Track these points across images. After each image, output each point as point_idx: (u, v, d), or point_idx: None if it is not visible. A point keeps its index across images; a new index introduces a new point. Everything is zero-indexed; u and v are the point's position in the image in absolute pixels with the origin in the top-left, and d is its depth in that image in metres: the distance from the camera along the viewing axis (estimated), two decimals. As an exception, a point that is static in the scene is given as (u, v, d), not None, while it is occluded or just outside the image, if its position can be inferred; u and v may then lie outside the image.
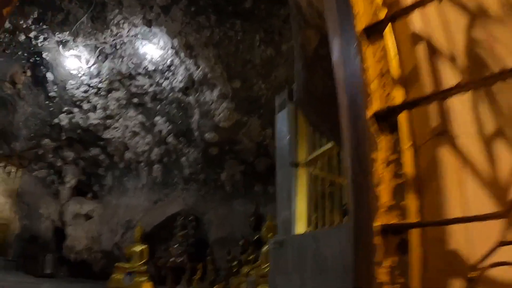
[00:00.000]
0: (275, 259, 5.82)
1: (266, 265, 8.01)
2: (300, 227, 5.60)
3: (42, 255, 12.68)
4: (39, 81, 12.30)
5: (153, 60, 10.98)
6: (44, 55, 11.50)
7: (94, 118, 12.85)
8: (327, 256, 4.39)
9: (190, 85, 10.85)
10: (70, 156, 14.02)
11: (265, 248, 8.46)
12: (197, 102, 10.96)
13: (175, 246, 11.84)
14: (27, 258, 12.97)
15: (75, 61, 11.60)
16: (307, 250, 4.80)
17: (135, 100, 12.26)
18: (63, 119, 12.96)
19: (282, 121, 6.64)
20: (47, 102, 12.68)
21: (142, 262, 11.39)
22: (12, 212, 14.09)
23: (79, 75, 11.96)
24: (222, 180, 12.13)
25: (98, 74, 11.83)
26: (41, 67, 11.94)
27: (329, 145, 5.16)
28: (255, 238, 10.25)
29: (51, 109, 12.80)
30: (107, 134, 13.22)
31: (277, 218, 6.28)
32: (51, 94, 12.49)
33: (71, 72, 11.91)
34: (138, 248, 11.62)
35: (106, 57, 11.41)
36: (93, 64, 11.56)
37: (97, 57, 11.38)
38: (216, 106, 10.53)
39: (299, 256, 5.04)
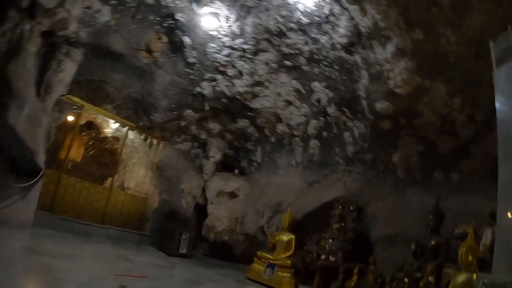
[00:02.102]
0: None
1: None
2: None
3: (178, 233, 11.89)
4: (176, 47, 11.44)
5: (306, 10, 9.02)
6: (177, 16, 10.48)
7: (240, 85, 11.64)
8: None
9: (355, 40, 8.71)
10: (216, 128, 13.19)
11: (460, 278, 5.84)
12: (365, 61, 8.82)
13: (330, 240, 10.08)
14: (164, 235, 12.53)
15: (213, 20, 10.37)
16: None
17: (288, 62, 10.57)
18: (206, 88, 12.05)
19: (508, 81, 4.19)
20: (186, 69, 11.81)
21: (288, 254, 10.07)
22: (152, 185, 13.73)
23: (219, 36, 10.72)
24: (394, 162, 9.88)
25: (241, 34, 10.42)
26: (177, 31, 10.99)
27: None
28: (433, 244, 8.04)
29: (192, 77, 11.93)
30: (256, 104, 11.92)
31: (497, 238, 4.25)
32: (190, 60, 11.53)
33: (210, 33, 10.74)
34: (285, 237, 10.37)
35: (248, 12, 9.91)
36: (234, 22, 10.18)
37: (238, 12, 9.93)
38: (391, 66, 8.29)
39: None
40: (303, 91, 10.88)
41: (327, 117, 10.68)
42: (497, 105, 4.56)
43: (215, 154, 13.57)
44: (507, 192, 4.13)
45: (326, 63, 9.77)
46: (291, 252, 10.10)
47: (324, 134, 11.07)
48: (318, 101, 10.58)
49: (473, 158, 8.82)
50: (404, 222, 9.65)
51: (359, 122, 10.00)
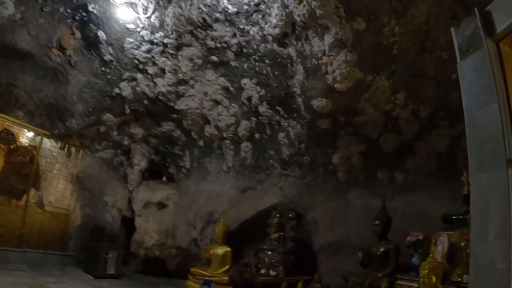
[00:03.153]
0: None
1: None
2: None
3: (104, 252, 10.83)
4: (90, 43, 10.39)
5: (234, -2, 8.30)
6: (90, 8, 9.56)
7: (163, 84, 10.55)
8: None
9: (289, 31, 7.92)
10: (139, 133, 11.98)
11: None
12: (301, 55, 8.00)
13: (269, 252, 9.14)
14: (88, 255, 11.36)
15: (129, 12, 9.46)
16: None
17: (214, 57, 9.66)
18: (125, 88, 10.90)
19: (475, 75, 3.69)
20: (103, 68, 10.70)
21: (224, 269, 9.22)
22: (73, 199, 12.51)
23: (138, 29, 9.79)
24: (334, 163, 9.22)
25: (161, 26, 9.52)
26: (90, 25, 9.96)
27: None
28: (381, 251, 7.41)
29: (109, 76, 10.80)
30: (181, 105, 10.82)
31: (472, 261, 3.51)
32: (107, 57, 10.45)
33: (127, 26, 9.79)
34: (220, 250, 9.47)
35: (168, 1, 9.10)
36: (153, 13, 9.33)
37: (157, 2, 9.15)
38: (329, 59, 7.53)
39: None
40: (231, 89, 9.97)
41: (259, 117, 9.81)
42: (465, 104, 3.85)
43: (140, 161, 12.40)
44: (481, 208, 3.43)
45: (256, 57, 8.92)
46: (227, 267, 9.18)
47: (257, 135, 10.19)
48: (249, 99, 9.68)
49: (417, 156, 8.45)
50: (348, 228, 9.13)
51: (294, 122, 9.20)
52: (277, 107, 9.25)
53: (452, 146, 8.15)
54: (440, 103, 7.76)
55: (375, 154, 8.87)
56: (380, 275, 6.97)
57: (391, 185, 8.89)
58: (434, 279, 5.05)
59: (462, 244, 5.71)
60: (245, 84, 9.50)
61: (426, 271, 5.14)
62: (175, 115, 11.20)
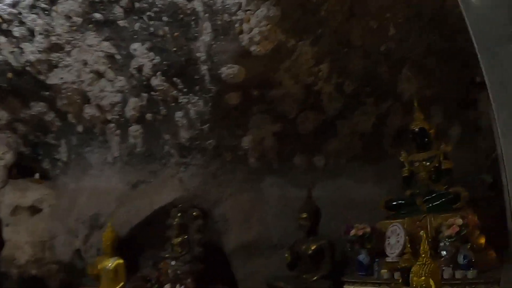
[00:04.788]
0: None
1: None
2: None
3: None
4: None
5: None
6: None
7: (32, 51, 8.66)
8: None
9: None
10: (3, 117, 10.05)
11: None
12: (209, 9, 6.85)
13: (172, 262, 7.93)
14: None
15: None
16: None
17: (98, 15, 8.07)
18: None
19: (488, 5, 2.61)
20: None
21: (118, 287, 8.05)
22: None
23: None
24: (244, 148, 8.36)
25: None
26: None
27: None
28: (313, 249, 6.85)
29: None
30: (54, 78, 8.96)
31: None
32: None
33: None
34: (110, 263, 8.26)
35: None
36: None
37: None
38: (246, 15, 6.60)
39: None
40: (118, 57, 8.43)
41: (152, 93, 8.46)
42: (477, 45, 3.09)
43: (5, 154, 10.29)
44: None
45: (152, 13, 7.52)
46: (122, 284, 8.07)
47: (149, 116, 8.81)
48: (139, 70, 8.23)
49: (339, 137, 8.07)
50: (266, 223, 8.36)
51: (196, 97, 8.04)
52: (174, 78, 8.04)
53: (377, 124, 7.94)
54: (367, 78, 7.49)
55: (291, 136, 8.26)
56: (315, 278, 6.37)
57: (310, 171, 8.42)
58: (433, 286, 3.93)
59: (421, 233, 5.16)
60: (135, 50, 8.10)
61: (423, 277, 3.99)
62: (47, 93, 9.37)
